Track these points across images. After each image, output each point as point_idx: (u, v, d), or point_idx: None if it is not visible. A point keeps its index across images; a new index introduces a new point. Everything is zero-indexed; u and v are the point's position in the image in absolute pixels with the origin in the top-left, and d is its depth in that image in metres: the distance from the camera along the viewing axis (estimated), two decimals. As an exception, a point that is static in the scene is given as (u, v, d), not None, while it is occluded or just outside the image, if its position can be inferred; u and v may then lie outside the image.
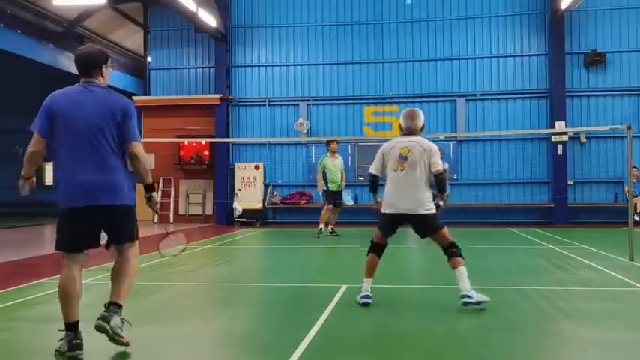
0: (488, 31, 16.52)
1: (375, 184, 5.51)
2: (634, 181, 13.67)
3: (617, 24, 15.99)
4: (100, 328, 3.79)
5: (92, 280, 6.89)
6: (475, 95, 16.50)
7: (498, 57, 16.49)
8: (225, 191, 17.04)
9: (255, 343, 4.19)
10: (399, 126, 5.55)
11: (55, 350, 3.81)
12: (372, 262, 5.41)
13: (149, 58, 18.86)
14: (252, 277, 7.65)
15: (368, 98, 16.87)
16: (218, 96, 17.02)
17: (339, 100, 17.02)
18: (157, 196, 4.19)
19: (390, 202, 5.32)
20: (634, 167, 14.05)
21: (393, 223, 5.35)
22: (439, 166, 5.26)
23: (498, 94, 16.44)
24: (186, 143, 17.02)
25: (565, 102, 15.78)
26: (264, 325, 4.79)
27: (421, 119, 5.48)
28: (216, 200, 17.15)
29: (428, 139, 5.62)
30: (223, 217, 16.88)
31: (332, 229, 12.43)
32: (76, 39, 20.23)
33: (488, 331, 4.45)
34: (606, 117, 15.69)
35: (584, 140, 15.96)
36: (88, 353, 3.81)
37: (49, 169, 25.96)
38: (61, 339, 3.78)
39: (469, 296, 5.02)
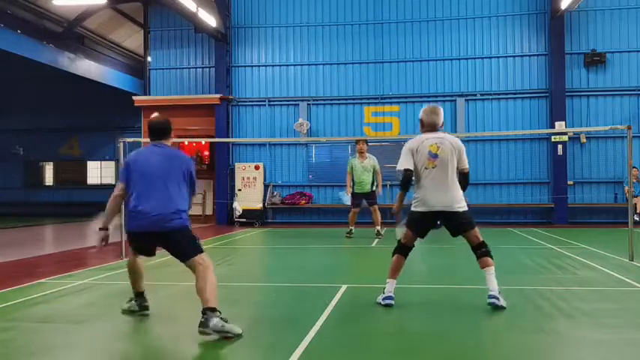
0: (488, 31, 16.53)
1: (410, 181, 5.26)
2: (634, 181, 13.67)
3: (617, 24, 15.99)
4: (203, 334, 4.18)
5: (92, 280, 6.89)
6: (475, 95, 16.50)
7: (498, 57, 16.49)
8: (225, 191, 17.05)
9: (256, 343, 4.19)
10: (421, 121, 5.43)
11: (124, 310, 4.94)
12: (397, 264, 5.33)
13: (149, 58, 18.86)
14: (252, 277, 7.65)
15: (368, 98, 16.87)
16: (218, 96, 17.02)
17: (339, 100, 17.02)
18: None
19: (424, 199, 5.20)
20: (634, 167, 14.05)
21: (427, 221, 5.24)
22: (467, 164, 5.31)
23: (498, 94, 16.45)
24: (186, 143, 17.03)
25: (565, 102, 15.78)
26: (264, 325, 4.79)
27: (442, 115, 5.44)
28: (216, 200, 17.15)
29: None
30: (223, 217, 16.89)
31: (378, 230, 11.80)
32: (76, 39, 20.25)
33: (489, 332, 4.45)
34: (606, 117, 15.69)
35: (584, 140, 15.96)
36: (91, 350, 3.81)
37: (49, 168, 25.98)
38: (129, 301, 4.97)
39: (497, 298, 5.03)
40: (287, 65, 17.25)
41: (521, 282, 6.53)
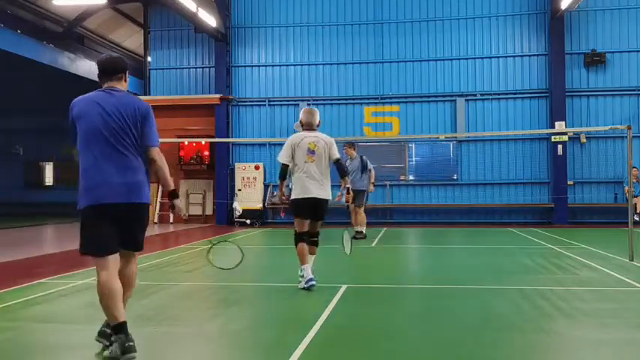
0: (488, 31, 16.53)
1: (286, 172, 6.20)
2: (634, 181, 13.66)
3: (617, 24, 15.99)
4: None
5: (92, 280, 6.89)
6: (475, 95, 16.50)
7: (498, 57, 16.49)
8: (225, 191, 17.05)
9: (256, 343, 4.19)
10: (300, 122, 6.33)
11: (105, 358, 3.71)
12: (302, 251, 6.11)
13: (149, 58, 18.86)
14: (253, 277, 7.64)
15: (368, 98, 16.87)
16: (218, 96, 17.02)
17: (339, 100, 17.02)
18: (181, 202, 4.20)
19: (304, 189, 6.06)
20: (634, 167, 14.05)
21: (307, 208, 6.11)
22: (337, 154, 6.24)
23: (498, 94, 16.45)
24: (186, 143, 17.02)
25: (565, 102, 15.78)
26: (264, 324, 4.79)
27: (318, 116, 6.35)
28: (216, 200, 17.15)
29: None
30: (223, 217, 16.88)
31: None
32: (76, 39, 20.24)
33: (489, 332, 4.44)
34: (606, 117, 15.69)
35: (584, 140, 15.97)
36: (87, 350, 3.81)
37: (48, 168, 25.97)
38: (109, 344, 3.71)
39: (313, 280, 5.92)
40: (287, 65, 17.25)
41: (521, 282, 6.53)
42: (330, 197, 6.17)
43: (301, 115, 6.36)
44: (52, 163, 25.95)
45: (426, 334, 4.44)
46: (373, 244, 10.94)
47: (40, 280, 6.84)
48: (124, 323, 3.63)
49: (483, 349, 3.98)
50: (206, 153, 17.32)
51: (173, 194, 4.07)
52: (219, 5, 16.76)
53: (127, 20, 20.85)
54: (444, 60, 16.66)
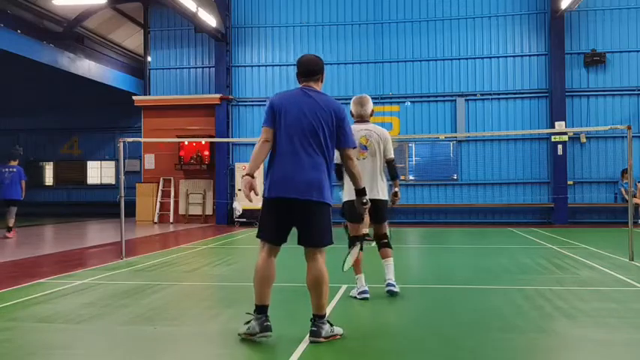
0: (488, 31, 16.53)
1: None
2: (626, 181, 13.66)
3: (617, 24, 16.00)
4: (316, 342, 3.97)
5: (92, 279, 6.89)
6: (475, 95, 16.51)
7: (498, 57, 16.49)
8: (225, 191, 17.04)
9: (256, 343, 4.19)
10: (351, 113, 5.62)
11: (242, 333, 4.06)
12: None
13: (149, 58, 18.86)
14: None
15: (368, 98, 16.83)
16: (218, 96, 17.02)
17: (339, 100, 16.98)
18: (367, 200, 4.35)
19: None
20: (624, 170, 14.05)
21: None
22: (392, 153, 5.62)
23: (498, 94, 16.45)
24: (186, 143, 17.02)
25: (565, 102, 15.79)
26: (264, 325, 4.78)
27: (370, 104, 5.65)
28: (216, 200, 17.15)
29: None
30: (223, 217, 16.88)
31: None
32: (76, 39, 20.25)
33: (489, 331, 4.44)
34: (606, 117, 15.69)
35: (584, 140, 15.97)
36: (84, 349, 3.80)
37: (49, 168, 25.95)
38: (248, 322, 4.05)
39: (394, 285, 5.55)
40: (287, 65, 17.24)
41: (521, 282, 6.53)
42: (387, 197, 5.60)
43: (351, 106, 5.68)
44: (52, 163, 25.92)
45: (426, 333, 4.43)
46: (373, 244, 10.93)
47: (40, 280, 6.84)
48: (267, 307, 4.06)
49: (483, 349, 3.98)
50: (206, 153, 17.32)
51: (361, 192, 4.27)
52: (219, 5, 16.76)
53: (127, 20, 20.86)
54: (443, 60, 16.66)
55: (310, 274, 4.13)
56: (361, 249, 5.56)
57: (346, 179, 5.41)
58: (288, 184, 3.91)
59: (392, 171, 5.69)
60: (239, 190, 16.71)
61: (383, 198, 5.56)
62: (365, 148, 5.48)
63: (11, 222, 12.69)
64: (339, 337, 4.09)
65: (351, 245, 5.54)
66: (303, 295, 5.95)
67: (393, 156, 5.66)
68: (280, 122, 3.96)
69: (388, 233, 5.84)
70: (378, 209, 5.53)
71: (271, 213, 4.03)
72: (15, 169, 12.88)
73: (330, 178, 4.07)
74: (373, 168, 5.51)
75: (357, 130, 5.45)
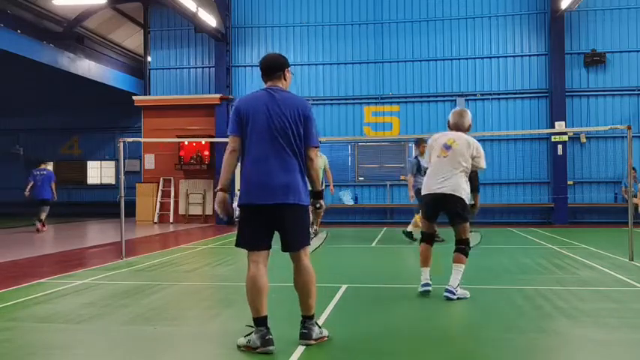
0: (488, 31, 16.53)
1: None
2: (633, 182, 13.66)
3: (617, 24, 15.99)
4: (307, 345, 3.93)
5: (92, 279, 6.89)
6: (475, 95, 16.51)
7: (498, 57, 16.49)
8: (225, 191, 17.01)
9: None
10: (448, 124, 5.85)
11: (242, 346, 3.89)
12: (426, 253, 5.74)
13: (149, 58, 18.86)
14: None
15: (368, 98, 16.87)
16: (218, 96, 17.02)
17: (339, 100, 17.02)
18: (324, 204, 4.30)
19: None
20: (633, 168, 14.04)
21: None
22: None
23: (498, 94, 16.45)
24: (186, 143, 17.02)
25: (565, 102, 15.79)
26: (264, 325, 4.78)
27: (469, 119, 5.77)
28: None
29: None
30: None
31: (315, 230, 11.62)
32: (75, 39, 20.24)
33: (489, 331, 4.44)
34: (606, 117, 15.69)
35: (584, 140, 15.97)
36: (82, 349, 3.80)
37: (49, 168, 25.98)
38: (248, 334, 3.89)
39: (452, 292, 5.42)
40: (287, 65, 17.21)
41: (521, 282, 6.53)
42: (460, 194, 5.45)
43: (449, 117, 5.84)
44: (52, 163, 25.92)
45: (427, 333, 4.43)
46: (373, 244, 10.94)
47: (40, 280, 6.84)
48: (266, 317, 3.88)
49: (483, 349, 3.98)
50: (206, 153, 17.31)
51: (318, 195, 4.13)
52: (219, 5, 16.76)
53: (126, 20, 20.86)
54: (443, 60, 16.66)
55: (298, 275, 4.08)
56: (431, 244, 5.75)
57: (427, 174, 5.68)
58: (266, 189, 3.85)
59: (474, 182, 5.69)
60: (239, 190, 16.69)
61: (457, 194, 5.43)
62: (449, 147, 5.51)
63: (43, 216, 14.25)
64: (326, 338, 4.06)
65: (421, 241, 5.77)
66: (303, 295, 5.96)
67: (484, 166, 5.64)
68: (248, 127, 3.90)
69: (474, 239, 5.88)
70: (449, 205, 5.48)
71: (251, 220, 3.95)
72: (45, 172, 14.52)
73: (304, 178, 3.98)
74: (452, 168, 5.46)
75: (446, 134, 5.67)
